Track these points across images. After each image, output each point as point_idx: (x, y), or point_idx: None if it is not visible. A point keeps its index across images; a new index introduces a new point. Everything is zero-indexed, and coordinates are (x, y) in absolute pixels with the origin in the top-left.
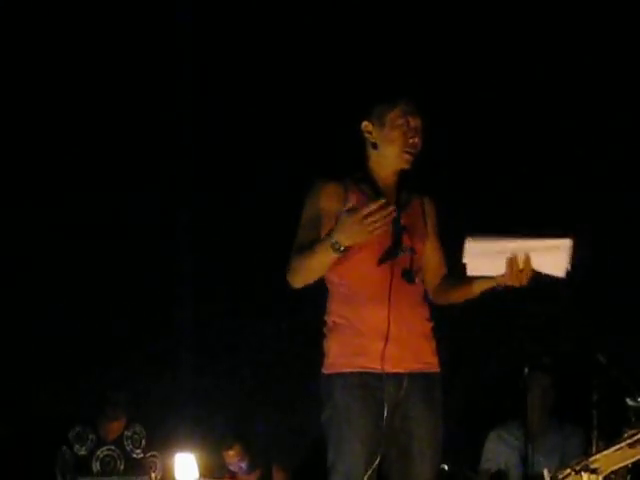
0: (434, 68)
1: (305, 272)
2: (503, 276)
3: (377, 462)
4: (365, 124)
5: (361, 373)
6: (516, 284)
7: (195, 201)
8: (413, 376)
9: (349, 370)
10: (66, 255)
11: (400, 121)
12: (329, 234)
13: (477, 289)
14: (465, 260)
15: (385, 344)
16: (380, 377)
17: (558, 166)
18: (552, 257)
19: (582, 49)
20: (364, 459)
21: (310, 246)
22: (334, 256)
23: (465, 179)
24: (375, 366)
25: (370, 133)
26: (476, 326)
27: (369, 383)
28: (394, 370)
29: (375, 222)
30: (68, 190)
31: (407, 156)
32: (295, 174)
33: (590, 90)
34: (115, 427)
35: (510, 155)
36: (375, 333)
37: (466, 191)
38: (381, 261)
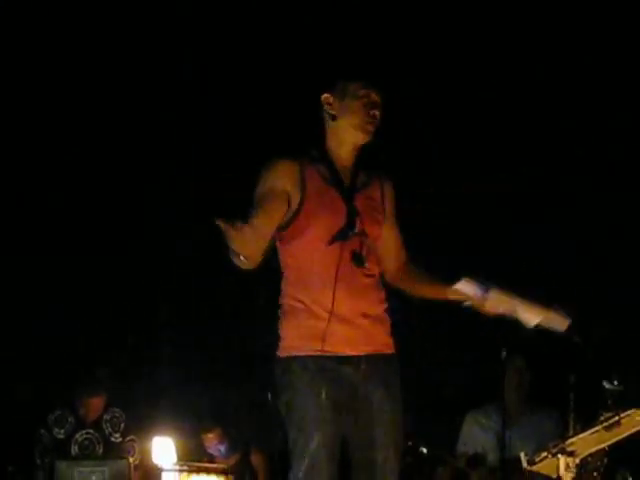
0: (432, 65)
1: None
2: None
3: (339, 443)
4: (325, 96)
5: (317, 356)
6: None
7: (181, 207)
8: (370, 358)
9: (305, 353)
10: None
11: (362, 92)
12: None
13: (450, 295)
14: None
15: (342, 326)
16: (338, 360)
17: (559, 166)
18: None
19: (579, 47)
20: (326, 441)
21: None
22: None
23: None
24: (333, 349)
25: (330, 105)
26: (453, 309)
27: (325, 365)
28: (352, 353)
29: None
30: (63, 190)
31: (369, 127)
32: None
33: (589, 89)
34: (95, 404)
35: (509, 154)
36: (323, 314)
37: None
38: (331, 242)
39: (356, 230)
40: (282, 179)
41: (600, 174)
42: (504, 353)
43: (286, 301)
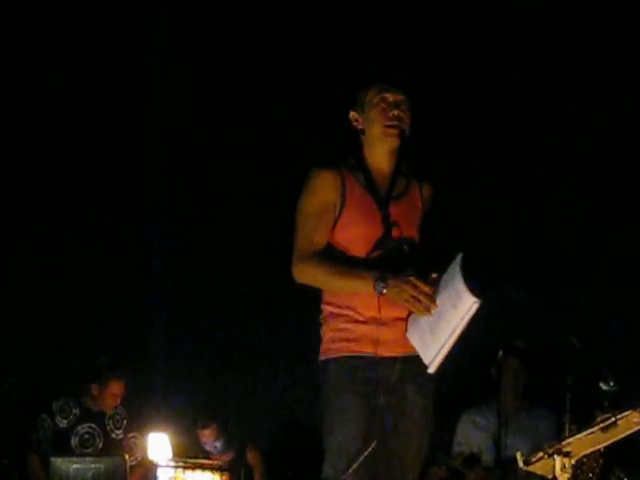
0: (430, 64)
1: (323, 284)
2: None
3: (374, 444)
4: (352, 114)
5: (355, 357)
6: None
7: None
8: (406, 359)
9: (343, 355)
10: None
11: (376, 99)
12: (380, 275)
13: None
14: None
15: (378, 329)
16: (374, 361)
17: (556, 163)
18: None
19: (580, 47)
20: (358, 440)
21: (340, 268)
22: (370, 292)
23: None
24: (369, 350)
25: (357, 121)
26: None
27: (363, 367)
28: (388, 354)
29: (419, 301)
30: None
31: (390, 130)
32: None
33: (589, 90)
34: (115, 390)
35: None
36: (368, 319)
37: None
38: (371, 252)
39: (394, 238)
40: (328, 190)
41: (599, 174)
42: (501, 353)
43: (324, 307)
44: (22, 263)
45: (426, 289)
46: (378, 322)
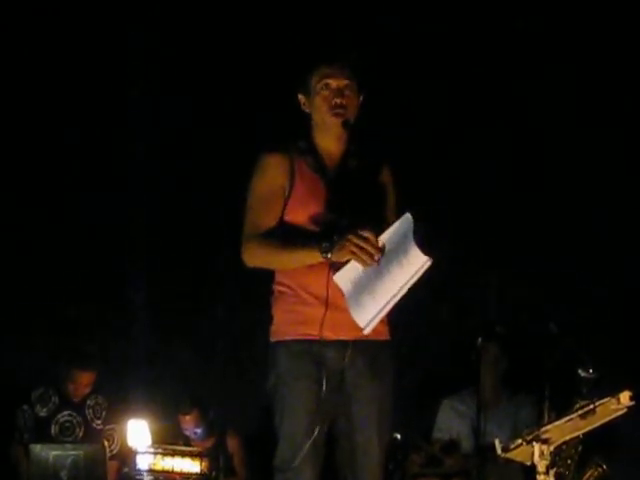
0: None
1: (272, 263)
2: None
3: (318, 429)
4: (299, 97)
5: (303, 340)
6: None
7: (147, 185)
8: (358, 343)
9: (291, 337)
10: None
11: (320, 86)
12: (319, 242)
13: None
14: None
15: (325, 311)
16: (321, 344)
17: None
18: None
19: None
20: (306, 424)
21: (284, 242)
22: (319, 260)
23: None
24: (315, 333)
25: (304, 104)
26: (429, 295)
27: (310, 350)
28: (336, 337)
29: (365, 251)
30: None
31: (334, 118)
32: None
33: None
34: (84, 380)
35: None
36: (316, 301)
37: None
38: (322, 233)
39: (344, 218)
40: (276, 174)
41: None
42: (480, 340)
43: (275, 287)
44: None
45: (372, 238)
46: (326, 304)
